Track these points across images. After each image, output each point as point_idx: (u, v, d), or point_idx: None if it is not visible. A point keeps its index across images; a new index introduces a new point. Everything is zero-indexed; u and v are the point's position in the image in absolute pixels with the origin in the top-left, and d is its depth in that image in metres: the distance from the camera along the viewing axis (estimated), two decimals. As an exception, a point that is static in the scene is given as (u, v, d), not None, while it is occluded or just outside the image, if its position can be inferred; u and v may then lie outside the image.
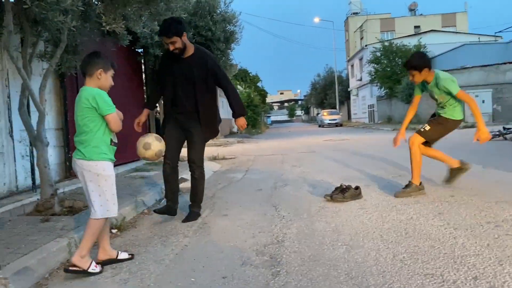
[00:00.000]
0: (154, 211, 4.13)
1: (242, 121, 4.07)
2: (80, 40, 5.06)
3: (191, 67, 3.91)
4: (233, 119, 4.12)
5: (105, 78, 2.74)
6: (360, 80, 39.46)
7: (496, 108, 22.52)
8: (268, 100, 66.90)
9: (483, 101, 21.75)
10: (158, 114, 10.31)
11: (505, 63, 23.11)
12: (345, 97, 46.97)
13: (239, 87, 38.32)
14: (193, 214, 4.08)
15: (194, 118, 3.99)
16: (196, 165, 4.05)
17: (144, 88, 9.51)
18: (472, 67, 23.09)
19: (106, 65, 2.75)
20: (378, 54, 29.23)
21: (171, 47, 3.80)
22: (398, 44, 28.76)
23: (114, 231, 3.77)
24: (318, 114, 47.56)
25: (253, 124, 33.33)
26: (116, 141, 2.81)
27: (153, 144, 3.53)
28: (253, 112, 34.37)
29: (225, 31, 8.97)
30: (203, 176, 4.16)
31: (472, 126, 10.28)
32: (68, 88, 5.82)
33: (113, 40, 6.22)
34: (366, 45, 37.47)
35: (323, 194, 4.84)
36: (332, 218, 3.78)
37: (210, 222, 3.92)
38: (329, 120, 34.71)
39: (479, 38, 34.64)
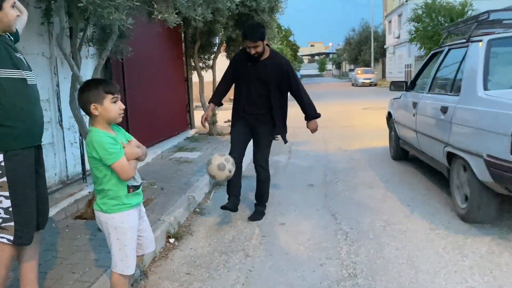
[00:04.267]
0: (222, 207, 4.01)
1: (315, 124, 4.17)
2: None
3: (266, 69, 3.96)
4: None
5: (104, 108, 2.17)
6: (398, 37, 37.72)
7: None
8: (298, 53, 64.97)
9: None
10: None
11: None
12: (381, 54, 45.20)
13: (271, 43, 37.31)
14: (258, 212, 4.23)
15: (264, 120, 4.08)
16: (261, 166, 4.16)
17: (184, 59, 9.23)
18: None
19: (96, 94, 2.18)
20: (420, 12, 27.52)
21: (253, 51, 3.87)
22: (442, 2, 26.94)
23: (171, 240, 3.69)
24: (351, 70, 46.11)
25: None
26: (138, 183, 2.33)
27: (227, 166, 3.52)
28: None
29: (270, 0, 8.45)
30: (269, 177, 4.28)
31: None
32: (114, 74, 5.63)
33: (160, 22, 5.91)
34: (406, 1, 35.44)
35: (382, 196, 4.65)
36: (402, 242, 3.48)
37: (268, 235, 3.78)
38: (363, 79, 33.89)
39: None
